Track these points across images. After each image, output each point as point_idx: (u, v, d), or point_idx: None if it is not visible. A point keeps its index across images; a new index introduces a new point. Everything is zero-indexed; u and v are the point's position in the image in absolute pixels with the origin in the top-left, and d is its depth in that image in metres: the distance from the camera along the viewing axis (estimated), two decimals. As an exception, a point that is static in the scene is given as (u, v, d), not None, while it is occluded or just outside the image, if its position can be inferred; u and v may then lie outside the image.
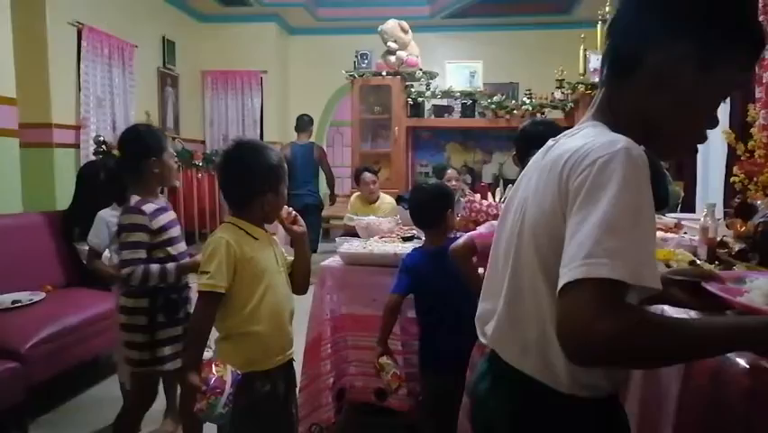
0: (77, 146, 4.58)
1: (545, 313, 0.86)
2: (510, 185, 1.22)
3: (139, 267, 1.90)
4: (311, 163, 5.46)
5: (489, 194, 3.04)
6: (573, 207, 0.78)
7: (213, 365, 1.45)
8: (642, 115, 0.87)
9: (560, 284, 0.74)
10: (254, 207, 1.62)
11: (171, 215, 2.10)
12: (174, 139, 6.08)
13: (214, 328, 1.60)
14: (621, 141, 0.78)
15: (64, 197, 3.89)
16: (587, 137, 0.84)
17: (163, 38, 6.12)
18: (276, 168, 1.64)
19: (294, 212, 1.74)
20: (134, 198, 1.98)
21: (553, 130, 1.79)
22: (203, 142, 6.98)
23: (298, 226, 1.73)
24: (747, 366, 0.94)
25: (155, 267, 1.93)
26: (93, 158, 4.24)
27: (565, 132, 0.94)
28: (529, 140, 1.89)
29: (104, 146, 4.28)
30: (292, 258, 1.78)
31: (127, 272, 1.90)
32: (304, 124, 5.61)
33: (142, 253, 1.93)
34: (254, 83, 6.98)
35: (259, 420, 1.56)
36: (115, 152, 4.31)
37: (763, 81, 2.92)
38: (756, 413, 0.89)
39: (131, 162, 2.06)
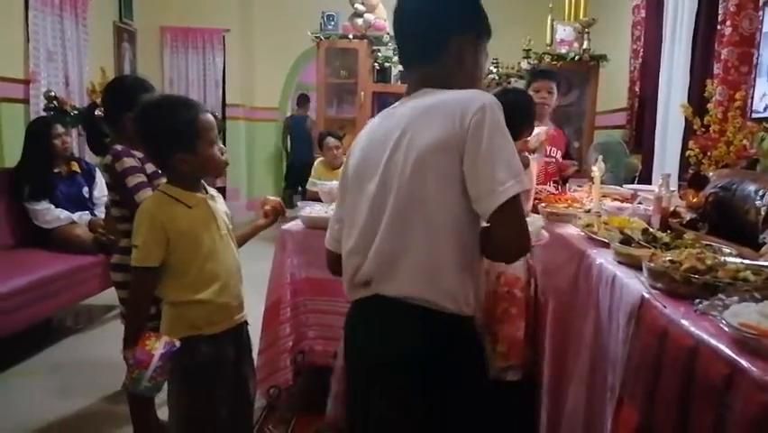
0: (26, 101, 4.35)
1: (441, 242, 1.07)
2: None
3: None
4: (305, 131, 7.04)
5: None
6: (479, 141, 1.03)
7: (144, 339, 1.42)
8: (448, 84, 1.16)
9: (499, 201, 1.01)
10: (176, 170, 1.51)
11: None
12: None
13: None
14: (486, 93, 1.10)
15: (12, 154, 3.72)
16: (448, 93, 1.12)
17: (119, -10, 5.82)
18: (185, 124, 1.48)
19: (278, 203, 1.83)
20: (118, 147, 1.88)
21: (522, 97, 1.81)
22: (162, 103, 6.74)
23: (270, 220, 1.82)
24: (692, 328, 0.98)
25: None
26: (44, 114, 4.06)
27: (398, 102, 1.22)
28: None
29: (55, 102, 4.10)
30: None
31: None
32: (303, 100, 7.39)
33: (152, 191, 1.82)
34: (216, 42, 6.75)
35: (205, 383, 1.53)
36: (68, 107, 4.16)
37: (722, 58, 2.98)
38: (696, 369, 0.92)
39: (109, 114, 1.97)
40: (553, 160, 3.24)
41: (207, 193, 1.59)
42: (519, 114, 1.86)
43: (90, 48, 5.09)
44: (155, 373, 1.39)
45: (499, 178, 1.02)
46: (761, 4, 2.75)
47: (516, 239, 1.06)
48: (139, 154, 1.91)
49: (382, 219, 1.10)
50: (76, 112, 4.14)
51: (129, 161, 1.84)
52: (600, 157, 2.15)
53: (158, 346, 1.41)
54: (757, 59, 2.71)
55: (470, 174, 1.04)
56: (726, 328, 0.87)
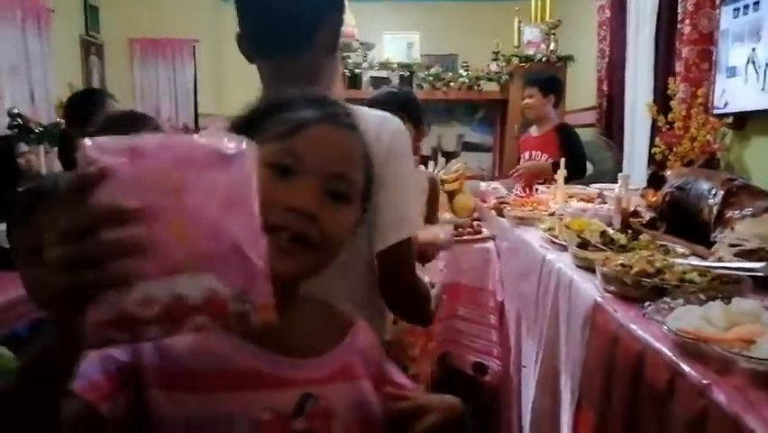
0: (-10, 119, 4.28)
1: (357, 288, 0.95)
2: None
3: None
4: None
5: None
6: (390, 170, 0.91)
7: None
8: (319, 74, 1.00)
9: (400, 237, 0.94)
10: None
11: None
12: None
13: None
14: (392, 117, 1.00)
15: (-24, 174, 3.64)
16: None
17: (85, 2, 5.75)
18: None
19: None
20: None
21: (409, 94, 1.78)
22: (133, 115, 6.67)
23: None
24: (640, 333, 0.99)
25: None
26: (8, 132, 3.99)
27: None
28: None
29: (19, 119, 4.03)
30: None
31: None
32: None
33: None
34: (186, 52, 6.69)
35: None
36: (32, 124, 4.09)
37: (683, 56, 3.03)
38: (644, 373, 0.93)
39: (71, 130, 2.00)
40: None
41: None
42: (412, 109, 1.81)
43: (56, 62, 5.02)
44: None
45: (404, 213, 0.96)
46: (717, 2, 2.81)
47: (405, 284, 0.99)
48: None
49: None
50: (41, 129, 4.08)
51: None
52: (563, 161, 2.17)
53: None
54: (716, 56, 2.76)
55: (378, 202, 0.87)
56: (668, 333, 0.88)
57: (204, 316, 0.44)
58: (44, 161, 4.36)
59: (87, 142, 0.43)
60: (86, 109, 1.97)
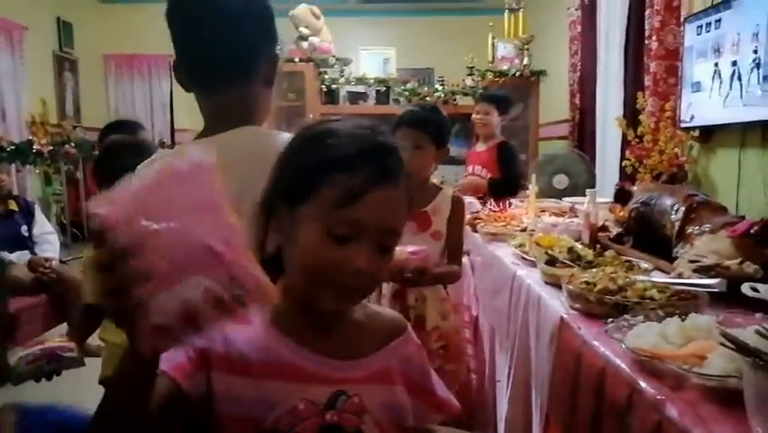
0: (-40, 137, 4.22)
1: None
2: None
3: None
4: None
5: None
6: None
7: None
8: (253, 112, 1.03)
9: None
10: None
11: None
12: (75, 128, 5.72)
13: None
14: None
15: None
16: (271, 137, 0.95)
17: (58, 19, 5.70)
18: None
19: None
20: None
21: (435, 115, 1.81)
22: (109, 131, 6.60)
23: None
24: (602, 349, 1.02)
25: None
26: (-22, 150, 3.93)
27: (206, 139, 0.99)
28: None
29: (-10, 137, 3.98)
30: None
31: None
32: None
33: None
34: (162, 68, 6.66)
35: None
36: (3, 143, 4.04)
37: (651, 71, 3.12)
38: (605, 389, 0.96)
39: None
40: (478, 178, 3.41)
41: None
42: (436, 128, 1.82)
43: (29, 79, 4.97)
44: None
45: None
46: (682, 19, 2.89)
47: None
48: None
49: None
50: (13, 147, 4.03)
51: None
52: (534, 176, 2.21)
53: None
54: (682, 71, 2.84)
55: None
56: (626, 351, 0.91)
57: (211, 311, 0.51)
58: (16, 179, 4.31)
59: (92, 203, 0.51)
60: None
